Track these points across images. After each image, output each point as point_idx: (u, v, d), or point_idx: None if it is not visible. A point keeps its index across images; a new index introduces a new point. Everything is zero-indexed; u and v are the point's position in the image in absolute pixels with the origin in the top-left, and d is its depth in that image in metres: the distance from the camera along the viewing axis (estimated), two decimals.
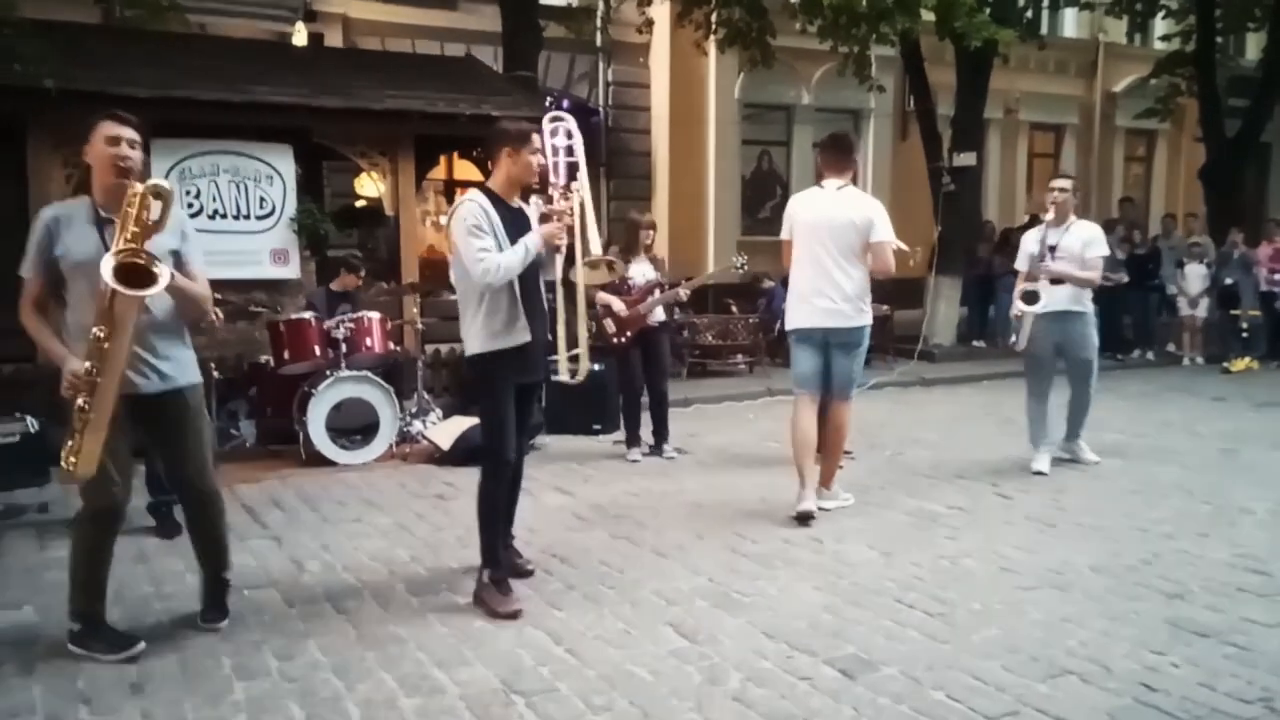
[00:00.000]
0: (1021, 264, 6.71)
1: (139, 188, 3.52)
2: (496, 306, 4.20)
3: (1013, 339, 6.69)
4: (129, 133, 3.70)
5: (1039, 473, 6.51)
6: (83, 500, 3.79)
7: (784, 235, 5.71)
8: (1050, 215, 6.60)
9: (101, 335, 3.45)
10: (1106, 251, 6.64)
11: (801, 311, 5.57)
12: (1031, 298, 6.47)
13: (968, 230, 13.35)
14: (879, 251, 5.43)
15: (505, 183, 4.33)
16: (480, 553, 4.29)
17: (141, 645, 3.74)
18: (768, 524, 5.46)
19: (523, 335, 4.24)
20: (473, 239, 4.12)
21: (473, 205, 4.20)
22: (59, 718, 3.27)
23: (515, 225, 4.27)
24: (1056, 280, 6.46)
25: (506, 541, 4.57)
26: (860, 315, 5.50)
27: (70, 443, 3.54)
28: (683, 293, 7.36)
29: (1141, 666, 3.60)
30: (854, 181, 5.77)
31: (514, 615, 4.08)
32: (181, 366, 3.87)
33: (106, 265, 3.39)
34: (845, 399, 5.65)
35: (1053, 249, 6.49)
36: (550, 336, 4.63)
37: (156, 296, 3.60)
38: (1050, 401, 6.73)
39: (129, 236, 3.46)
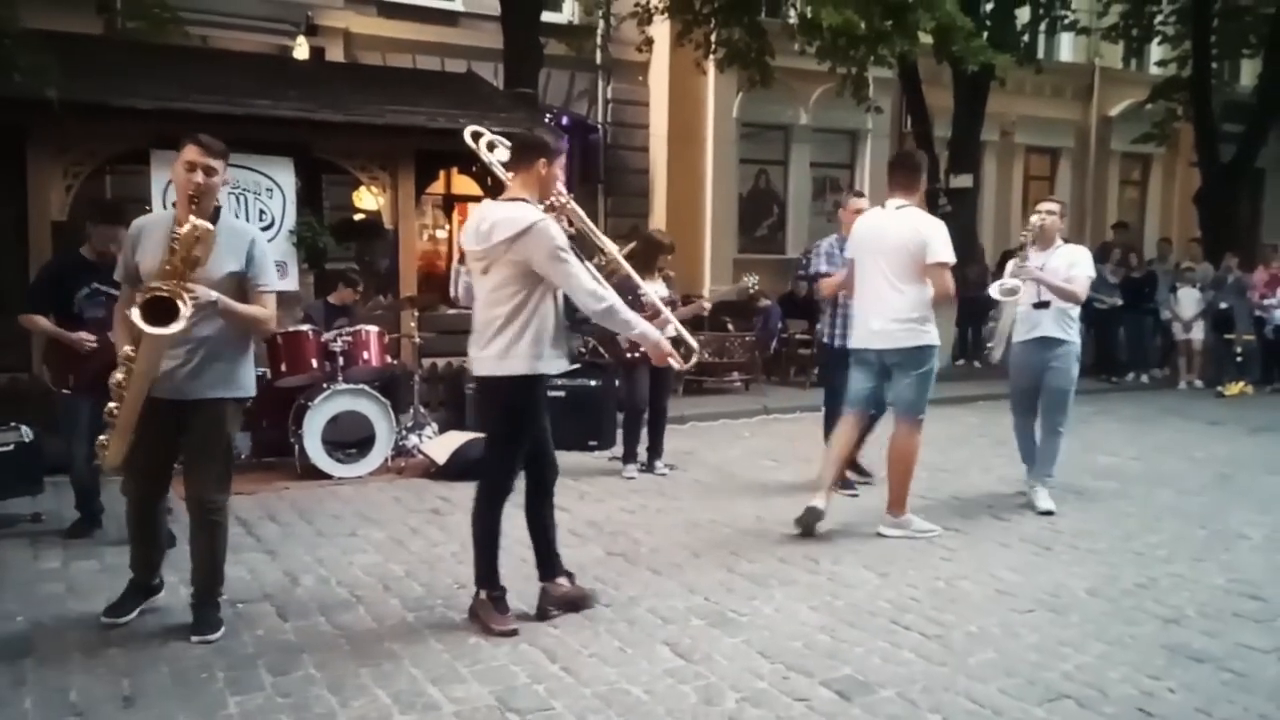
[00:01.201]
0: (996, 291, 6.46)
1: (185, 229, 3.69)
2: (544, 329, 4.05)
3: (988, 347, 6.56)
4: (206, 159, 3.86)
5: (1046, 511, 6.13)
6: (128, 486, 4.18)
7: (847, 254, 5.89)
8: (1029, 237, 6.37)
9: (131, 355, 3.74)
10: (1092, 273, 6.39)
11: (858, 332, 5.70)
12: (1011, 291, 6.29)
13: (963, 252, 13.39)
14: (935, 275, 5.43)
15: (539, 194, 4.19)
16: (475, 572, 4.24)
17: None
18: (764, 543, 5.46)
19: (564, 361, 4.19)
20: (568, 260, 3.98)
21: (553, 224, 4.03)
22: None
23: None
24: (1041, 304, 6.24)
25: (561, 570, 4.43)
26: (915, 335, 5.46)
27: (109, 438, 3.90)
28: (705, 305, 7.41)
29: (1138, 691, 3.60)
30: (922, 202, 5.80)
31: (511, 634, 4.06)
32: (224, 378, 4.01)
33: (135, 301, 3.67)
34: (906, 420, 5.63)
35: (1039, 270, 6.25)
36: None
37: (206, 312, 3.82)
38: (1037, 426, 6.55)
39: (167, 270, 3.69)
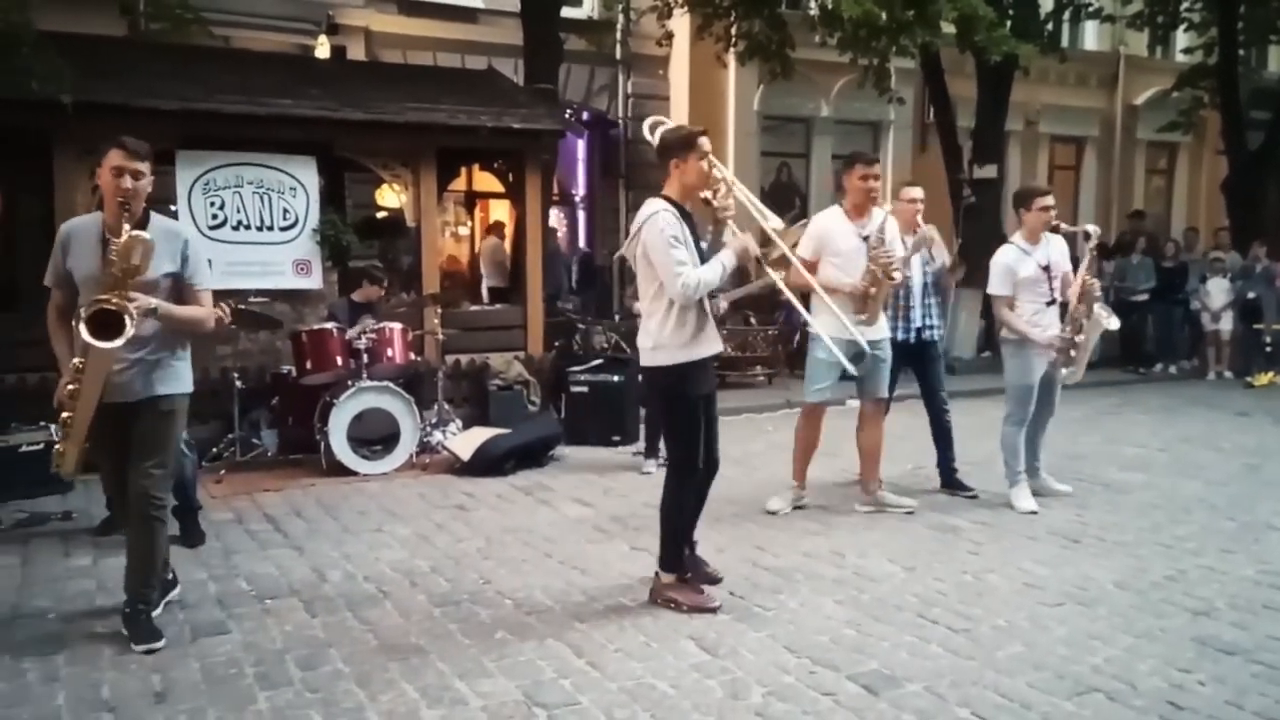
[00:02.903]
0: (1005, 288, 6.02)
1: (123, 239, 3.73)
2: (686, 318, 4.21)
3: (1068, 370, 6.04)
4: (133, 164, 3.85)
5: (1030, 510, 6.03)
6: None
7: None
8: (1024, 235, 6.09)
9: (80, 366, 3.78)
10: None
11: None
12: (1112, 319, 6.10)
13: (988, 243, 13.28)
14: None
15: (681, 191, 4.31)
16: (662, 557, 4.40)
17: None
18: (788, 538, 5.45)
19: (714, 345, 4.33)
20: (673, 250, 4.12)
21: (669, 215, 4.18)
22: None
23: (692, 233, 4.29)
24: (1053, 302, 6.02)
25: (691, 548, 4.64)
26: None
27: (57, 445, 4.02)
28: (723, 304, 7.37)
29: (1168, 684, 3.57)
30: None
31: (714, 610, 4.25)
32: (166, 377, 4.07)
33: (79, 317, 3.72)
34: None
35: (1046, 269, 6.01)
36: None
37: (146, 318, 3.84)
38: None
39: (107, 281, 3.73)
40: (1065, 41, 15.98)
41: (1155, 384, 12.20)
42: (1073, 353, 5.98)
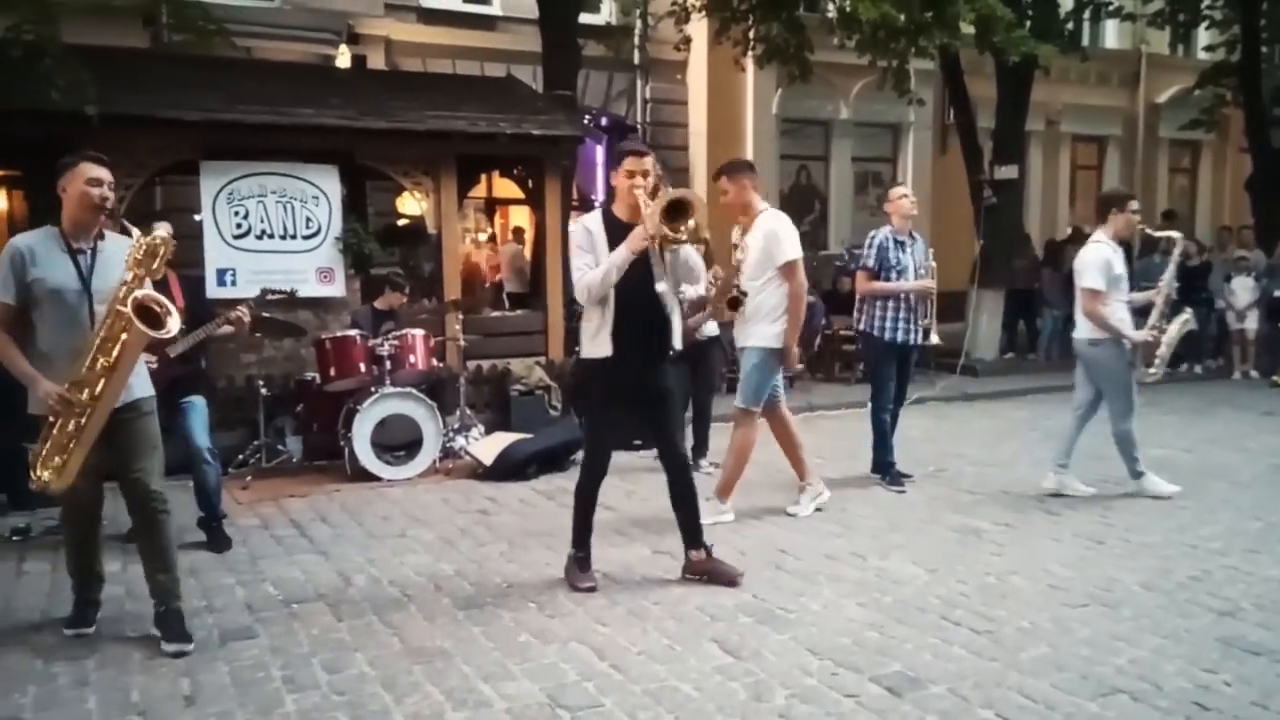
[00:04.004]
0: (1102, 282, 6.10)
1: (148, 239, 3.90)
2: (590, 317, 4.56)
3: (1152, 370, 6.35)
4: (108, 175, 4.02)
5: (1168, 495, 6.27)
6: (67, 502, 4.15)
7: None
8: (1110, 234, 6.29)
9: (106, 363, 3.81)
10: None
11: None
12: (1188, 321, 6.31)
13: (1010, 244, 13.24)
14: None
15: (617, 202, 4.62)
16: (572, 534, 4.75)
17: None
18: (811, 540, 5.45)
19: (604, 349, 4.50)
20: (574, 257, 4.52)
21: (577, 226, 4.60)
22: None
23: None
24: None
25: (708, 551, 4.81)
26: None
27: (55, 458, 3.87)
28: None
29: (1193, 685, 3.55)
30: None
31: (589, 590, 4.59)
32: (141, 380, 4.14)
33: (127, 303, 3.78)
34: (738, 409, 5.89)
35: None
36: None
37: None
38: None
39: (130, 279, 3.84)
40: (1086, 40, 15.89)
41: (1180, 384, 12.08)
42: (1160, 351, 6.26)
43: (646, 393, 4.62)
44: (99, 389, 3.84)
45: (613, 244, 4.43)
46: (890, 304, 6.59)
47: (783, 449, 6.13)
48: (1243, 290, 12.47)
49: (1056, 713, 3.35)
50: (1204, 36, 17.20)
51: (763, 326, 5.67)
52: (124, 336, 3.81)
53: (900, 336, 6.59)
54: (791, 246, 5.66)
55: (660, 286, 4.43)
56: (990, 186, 12.87)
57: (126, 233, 4.13)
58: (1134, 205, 6.33)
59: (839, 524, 5.78)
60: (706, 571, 4.73)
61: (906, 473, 6.83)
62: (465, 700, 3.49)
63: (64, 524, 4.29)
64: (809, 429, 9.04)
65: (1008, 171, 12.93)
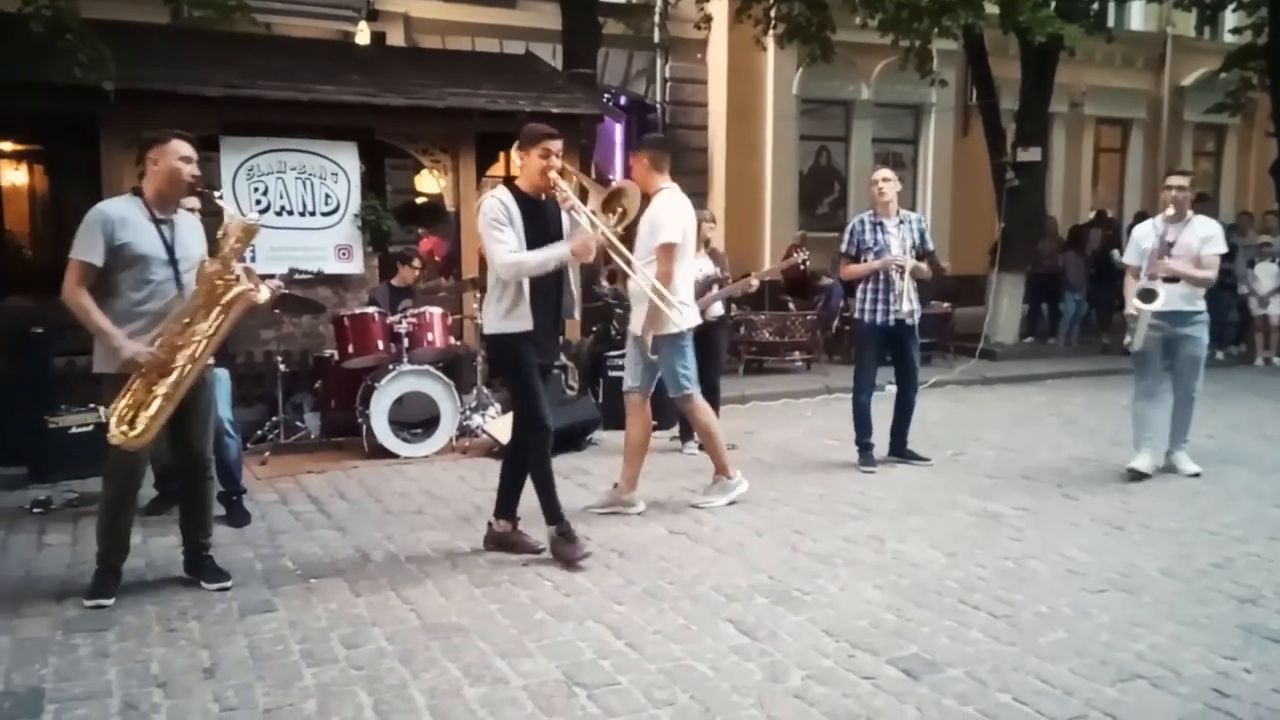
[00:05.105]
0: (1132, 258, 6.46)
1: (254, 221, 4.32)
2: (504, 294, 4.61)
3: (1127, 339, 6.46)
4: (195, 153, 4.32)
5: (1136, 471, 6.31)
6: (126, 465, 4.27)
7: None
8: (1170, 211, 6.31)
9: (205, 328, 4.13)
10: (1225, 249, 6.45)
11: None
12: (1149, 296, 6.23)
13: (1031, 227, 13.13)
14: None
15: (524, 180, 4.72)
16: (544, 513, 4.77)
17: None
18: (827, 522, 5.44)
19: (524, 323, 4.61)
20: (494, 231, 4.54)
21: (492, 200, 4.61)
22: (134, 700, 3.35)
23: (536, 220, 4.61)
24: (1171, 278, 6.23)
25: (513, 518, 4.96)
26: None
27: (139, 415, 4.07)
28: (754, 282, 7.36)
29: (1213, 672, 3.53)
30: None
31: (585, 557, 4.66)
32: None
33: (244, 275, 4.21)
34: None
35: (1170, 245, 6.25)
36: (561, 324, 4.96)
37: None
38: (1160, 401, 6.55)
39: (228, 252, 4.20)
40: (1111, 22, 15.66)
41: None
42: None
43: (543, 365, 4.82)
44: (198, 351, 4.12)
45: (526, 220, 4.58)
46: (870, 286, 6.60)
47: (632, 449, 5.71)
48: (1266, 276, 12.35)
49: (1075, 698, 3.33)
50: (1231, 19, 16.94)
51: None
52: (227, 301, 4.15)
53: (880, 319, 6.57)
54: (670, 230, 5.38)
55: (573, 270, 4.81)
56: (1013, 169, 12.76)
57: (208, 198, 4.48)
58: (1167, 180, 6.54)
59: (856, 506, 5.76)
60: (508, 543, 4.90)
61: (924, 456, 6.81)
62: (482, 676, 3.50)
63: (108, 482, 4.33)
64: (826, 411, 9.03)
65: (1030, 154, 12.80)
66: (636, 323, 5.57)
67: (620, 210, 4.79)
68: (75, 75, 6.69)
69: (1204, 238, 6.28)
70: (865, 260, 6.58)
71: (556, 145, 4.64)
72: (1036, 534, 5.21)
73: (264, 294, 4.36)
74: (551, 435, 4.79)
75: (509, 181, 4.81)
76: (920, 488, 6.19)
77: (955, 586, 4.41)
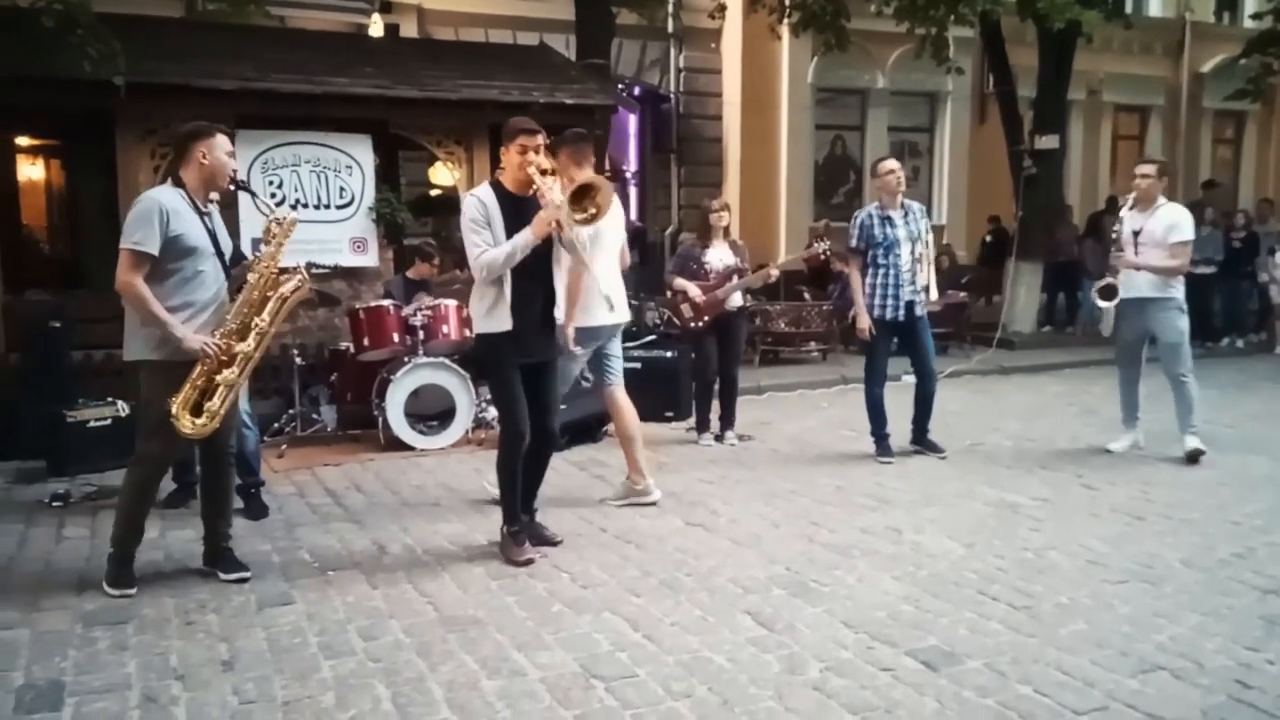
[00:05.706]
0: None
1: (294, 218, 4.50)
2: (485, 293, 4.59)
3: (1099, 326, 6.60)
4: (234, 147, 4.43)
5: (1108, 451, 6.68)
6: (159, 450, 4.33)
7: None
8: (1130, 199, 6.49)
9: (260, 320, 4.27)
10: (1190, 236, 6.40)
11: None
12: (1109, 292, 6.40)
13: (1049, 215, 13.05)
14: None
15: (507, 176, 4.65)
16: (503, 511, 4.77)
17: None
18: (844, 513, 5.42)
19: (504, 323, 4.54)
20: (470, 233, 4.50)
21: (471, 200, 4.58)
22: (153, 693, 3.35)
23: (518, 216, 4.51)
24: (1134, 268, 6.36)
25: (529, 512, 4.93)
26: None
27: (203, 404, 4.17)
28: (774, 272, 7.30)
29: (1235, 663, 3.50)
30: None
31: (527, 563, 4.57)
32: None
33: (293, 274, 4.40)
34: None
35: (1136, 234, 6.38)
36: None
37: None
38: (1140, 386, 6.74)
39: (276, 249, 4.35)
40: (1129, 7, 15.55)
41: (1222, 358, 11.90)
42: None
43: (535, 363, 4.70)
44: (258, 342, 4.27)
45: (506, 217, 4.50)
46: (875, 282, 6.56)
47: (624, 438, 5.72)
48: None
49: (1096, 689, 3.31)
50: (1250, 4, 16.80)
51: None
52: (281, 294, 4.33)
53: (889, 314, 6.52)
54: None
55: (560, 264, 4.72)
56: (1030, 157, 12.67)
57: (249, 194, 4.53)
58: (1135, 169, 6.62)
59: (873, 497, 5.74)
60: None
61: (940, 446, 6.77)
62: (500, 669, 3.50)
63: (138, 465, 4.36)
64: (842, 402, 9.00)
65: (1048, 141, 12.72)
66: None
67: (593, 210, 4.56)
68: (85, 70, 6.70)
69: (1168, 225, 6.32)
70: (874, 255, 6.52)
71: (534, 141, 4.54)
72: (1055, 524, 5.18)
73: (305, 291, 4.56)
74: (526, 441, 4.65)
75: (493, 179, 4.80)
76: (938, 478, 6.16)
77: (974, 578, 4.38)
